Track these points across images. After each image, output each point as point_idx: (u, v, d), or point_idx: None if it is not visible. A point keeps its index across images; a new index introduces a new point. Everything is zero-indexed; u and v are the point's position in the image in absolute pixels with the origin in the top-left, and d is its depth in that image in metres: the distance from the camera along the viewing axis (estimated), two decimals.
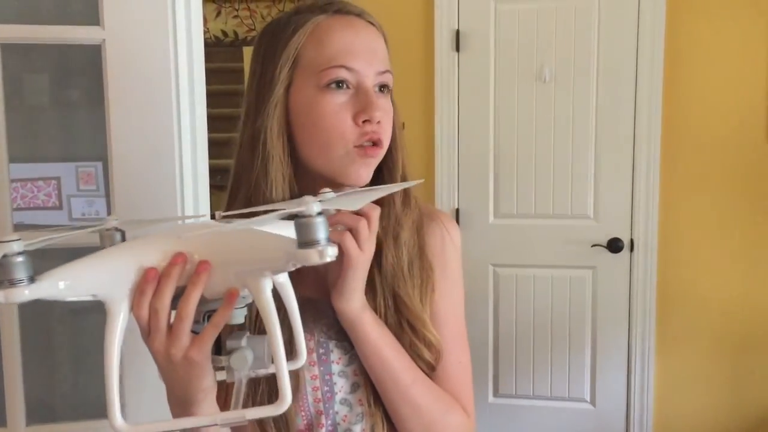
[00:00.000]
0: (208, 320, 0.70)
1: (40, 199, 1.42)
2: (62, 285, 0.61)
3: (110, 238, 0.74)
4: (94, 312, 1.43)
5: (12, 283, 0.56)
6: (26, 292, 0.57)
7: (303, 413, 0.95)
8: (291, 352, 0.81)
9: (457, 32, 2.74)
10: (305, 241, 0.58)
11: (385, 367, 0.89)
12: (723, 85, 2.60)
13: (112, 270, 0.65)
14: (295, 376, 0.91)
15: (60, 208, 1.44)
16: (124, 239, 0.75)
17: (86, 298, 0.63)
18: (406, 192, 0.97)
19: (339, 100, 0.87)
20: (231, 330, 0.75)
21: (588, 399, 2.82)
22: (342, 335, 0.93)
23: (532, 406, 2.87)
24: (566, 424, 2.84)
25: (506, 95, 2.74)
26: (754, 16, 2.55)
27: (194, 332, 0.69)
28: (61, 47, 1.36)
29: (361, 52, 0.88)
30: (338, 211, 0.80)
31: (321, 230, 0.58)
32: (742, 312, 2.67)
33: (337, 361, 0.94)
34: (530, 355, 2.84)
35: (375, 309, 0.92)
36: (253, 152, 0.90)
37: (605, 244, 2.71)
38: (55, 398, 1.47)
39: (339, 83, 0.87)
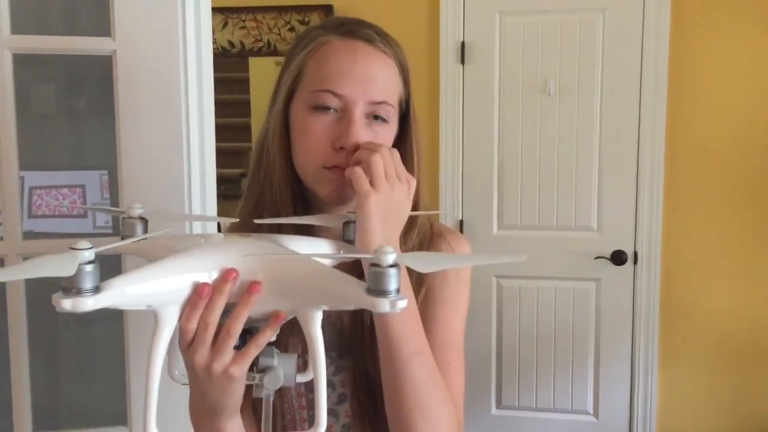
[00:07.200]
0: (241, 338, 0.70)
1: (65, 207, 1.43)
2: (126, 295, 0.61)
3: (131, 227, 0.76)
4: (102, 320, 1.45)
5: (80, 293, 0.57)
6: (90, 302, 0.57)
7: (289, 416, 0.96)
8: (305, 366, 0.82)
9: (462, 44, 2.76)
10: (377, 289, 0.58)
11: (387, 328, 0.83)
12: (727, 97, 2.61)
13: (169, 282, 0.65)
14: None
15: (84, 216, 1.45)
16: (146, 229, 0.77)
17: (141, 308, 0.64)
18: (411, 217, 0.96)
19: (322, 122, 0.88)
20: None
21: (591, 411, 2.82)
22: (330, 345, 0.94)
23: (535, 418, 2.86)
24: None
25: (511, 107, 2.75)
26: (759, 27, 2.57)
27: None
28: (78, 58, 1.37)
29: (353, 79, 0.88)
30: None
31: (394, 281, 0.58)
32: (746, 325, 2.67)
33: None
34: (533, 366, 2.84)
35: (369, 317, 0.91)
36: (260, 157, 0.94)
37: (609, 257, 2.71)
38: (62, 406, 1.47)
39: (326, 107, 0.88)
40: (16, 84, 1.29)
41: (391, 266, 0.58)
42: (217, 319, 0.67)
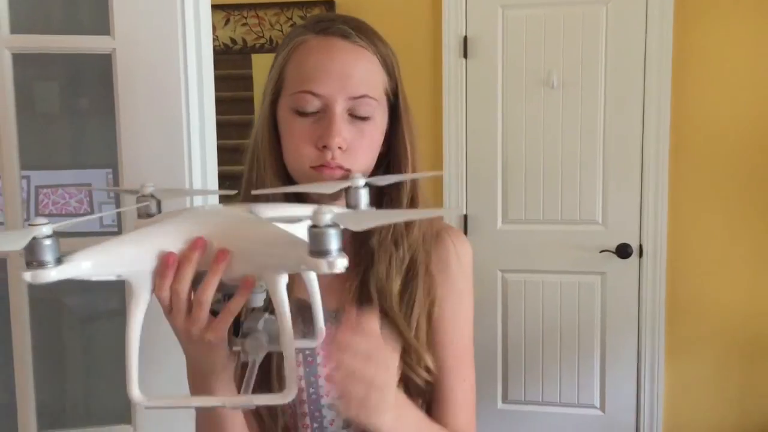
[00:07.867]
0: (228, 300, 0.72)
1: (72, 205, 1.43)
2: (87, 266, 0.63)
3: (146, 207, 0.78)
4: (106, 318, 1.45)
5: (40, 265, 0.59)
6: (53, 273, 0.59)
7: (290, 410, 0.97)
8: (310, 331, 0.86)
9: (465, 38, 2.75)
10: (318, 250, 0.59)
11: None
12: (732, 90, 2.60)
13: (135, 253, 0.67)
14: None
15: (92, 214, 1.45)
16: (160, 209, 0.79)
17: (111, 278, 0.66)
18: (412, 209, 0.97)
19: (305, 123, 0.89)
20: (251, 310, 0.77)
21: (597, 405, 2.81)
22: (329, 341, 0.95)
23: (541, 412, 2.86)
24: (575, 430, 2.83)
25: (514, 101, 2.74)
26: (763, 17, 2.55)
27: (215, 311, 0.72)
28: (83, 56, 1.37)
29: (331, 77, 0.88)
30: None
31: (333, 241, 0.58)
32: (752, 318, 2.65)
33: (323, 364, 0.95)
34: (539, 361, 2.84)
35: None
36: (252, 158, 0.96)
37: (614, 250, 2.71)
38: (67, 404, 1.48)
39: (307, 107, 0.88)
40: (19, 84, 1.29)
41: (329, 226, 0.58)
42: (188, 286, 0.69)
